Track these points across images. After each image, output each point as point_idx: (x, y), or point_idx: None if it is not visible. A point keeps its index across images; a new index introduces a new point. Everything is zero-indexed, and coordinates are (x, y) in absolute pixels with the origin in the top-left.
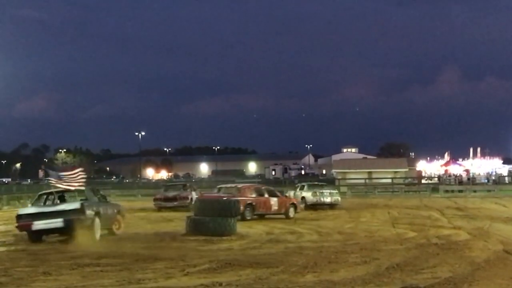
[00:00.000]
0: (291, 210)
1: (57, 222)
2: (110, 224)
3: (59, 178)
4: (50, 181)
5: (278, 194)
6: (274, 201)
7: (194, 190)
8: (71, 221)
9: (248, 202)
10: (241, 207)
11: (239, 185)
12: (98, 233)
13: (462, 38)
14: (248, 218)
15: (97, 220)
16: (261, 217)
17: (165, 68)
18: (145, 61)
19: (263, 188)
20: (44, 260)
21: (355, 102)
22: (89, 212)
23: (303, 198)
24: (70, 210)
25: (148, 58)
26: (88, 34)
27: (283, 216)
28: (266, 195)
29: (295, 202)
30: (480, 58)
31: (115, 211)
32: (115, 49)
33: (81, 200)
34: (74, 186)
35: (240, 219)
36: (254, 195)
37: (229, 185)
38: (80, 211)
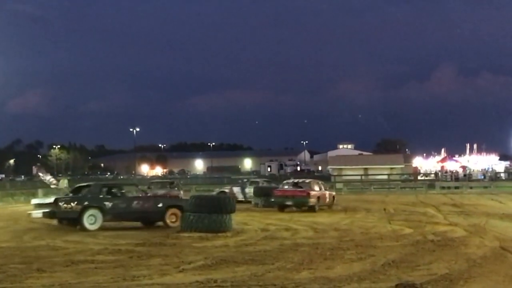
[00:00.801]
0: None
1: None
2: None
3: None
4: None
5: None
6: (327, 194)
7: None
8: None
9: (317, 195)
10: (313, 200)
11: (307, 180)
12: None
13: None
14: (317, 209)
15: None
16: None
17: (160, 64)
18: (140, 56)
19: (320, 182)
20: (38, 257)
21: (351, 98)
22: None
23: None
24: None
25: (143, 53)
26: (82, 29)
27: (326, 207)
28: (323, 189)
29: (334, 195)
30: (476, 54)
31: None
32: (110, 44)
33: None
34: None
35: (307, 209)
36: (318, 189)
37: (298, 180)
38: None
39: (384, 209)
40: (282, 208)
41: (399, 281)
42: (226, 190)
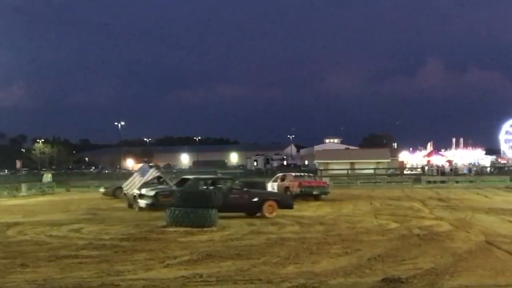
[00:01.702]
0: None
1: None
2: None
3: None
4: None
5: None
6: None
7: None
8: None
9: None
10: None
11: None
12: None
13: (446, 29)
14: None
15: None
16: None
17: (146, 57)
18: (125, 50)
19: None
20: (22, 252)
21: (338, 93)
22: None
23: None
24: None
25: (128, 46)
26: (66, 21)
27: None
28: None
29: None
30: (464, 49)
31: None
32: (94, 37)
33: None
34: None
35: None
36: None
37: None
38: None
39: (370, 204)
40: (307, 197)
41: (385, 276)
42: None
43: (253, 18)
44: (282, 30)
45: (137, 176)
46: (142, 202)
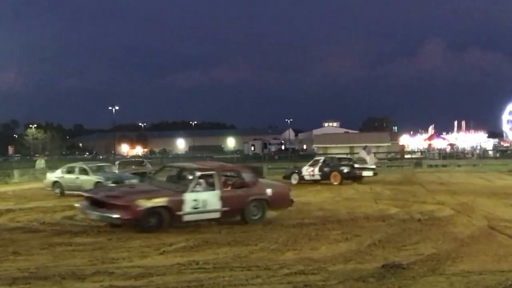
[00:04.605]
0: None
1: None
2: None
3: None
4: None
5: None
6: None
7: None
8: None
9: None
10: None
11: None
12: None
13: (446, 8)
14: None
15: None
16: None
17: (140, 41)
18: (119, 33)
19: None
20: (14, 239)
21: (336, 75)
22: None
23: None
24: None
25: (122, 30)
26: (59, 4)
27: None
28: None
29: None
30: (465, 29)
31: None
32: (88, 20)
33: None
34: None
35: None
36: None
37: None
38: None
39: (370, 189)
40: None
41: (385, 262)
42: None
43: (250, 0)
44: (279, 12)
45: None
46: None
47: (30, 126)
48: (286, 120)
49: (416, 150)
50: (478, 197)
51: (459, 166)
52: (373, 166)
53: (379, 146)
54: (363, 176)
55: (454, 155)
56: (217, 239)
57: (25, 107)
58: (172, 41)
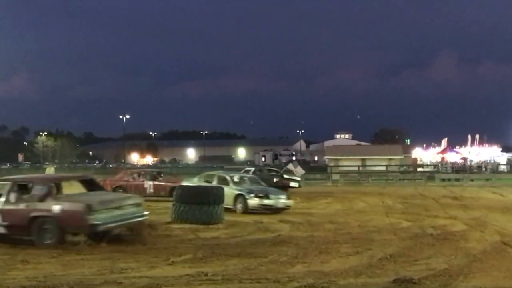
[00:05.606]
0: None
1: None
2: None
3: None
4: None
5: None
6: None
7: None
8: None
9: None
10: None
11: None
12: None
13: (460, 21)
14: None
15: None
16: None
17: (151, 49)
18: (130, 41)
19: None
20: (23, 248)
21: (349, 86)
22: None
23: None
24: None
25: (133, 38)
26: (71, 12)
27: None
28: None
29: None
30: (478, 42)
31: None
32: (99, 28)
33: None
34: None
35: None
36: None
37: None
38: None
39: (382, 202)
40: None
41: (396, 276)
42: None
43: (261, 9)
44: (292, 23)
45: None
46: None
47: (41, 133)
48: (297, 131)
49: (429, 164)
50: (491, 212)
51: (472, 180)
52: (299, 178)
53: (391, 159)
54: (291, 187)
55: (467, 169)
56: (226, 250)
57: (35, 115)
58: (183, 50)
